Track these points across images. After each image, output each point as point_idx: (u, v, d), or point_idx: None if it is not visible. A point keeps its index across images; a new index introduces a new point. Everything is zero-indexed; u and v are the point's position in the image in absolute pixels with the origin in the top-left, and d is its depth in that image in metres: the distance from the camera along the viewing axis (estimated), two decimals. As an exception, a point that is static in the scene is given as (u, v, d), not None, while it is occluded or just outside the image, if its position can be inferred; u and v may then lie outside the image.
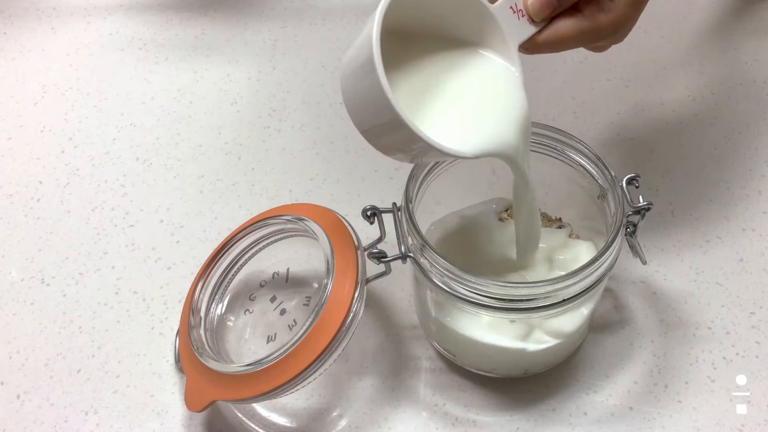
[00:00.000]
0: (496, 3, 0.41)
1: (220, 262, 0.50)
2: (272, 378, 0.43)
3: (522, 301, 0.42)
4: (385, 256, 0.45)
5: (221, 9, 0.78)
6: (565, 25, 0.41)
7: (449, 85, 0.41)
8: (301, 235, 0.49)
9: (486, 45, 0.42)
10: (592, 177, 0.47)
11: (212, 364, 0.45)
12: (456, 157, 0.39)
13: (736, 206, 0.59)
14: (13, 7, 0.79)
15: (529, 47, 0.42)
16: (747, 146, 0.63)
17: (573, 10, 0.41)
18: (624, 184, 0.45)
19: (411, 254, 0.45)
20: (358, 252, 0.45)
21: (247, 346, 0.50)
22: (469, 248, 0.51)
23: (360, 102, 0.38)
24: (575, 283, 0.42)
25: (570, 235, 0.52)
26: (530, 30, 0.41)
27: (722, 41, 0.72)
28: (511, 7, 0.41)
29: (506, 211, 0.53)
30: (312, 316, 0.43)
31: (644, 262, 0.46)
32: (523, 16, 0.41)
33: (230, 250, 0.50)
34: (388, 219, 0.46)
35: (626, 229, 0.44)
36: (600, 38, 0.43)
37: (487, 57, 0.42)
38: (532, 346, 0.46)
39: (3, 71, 0.73)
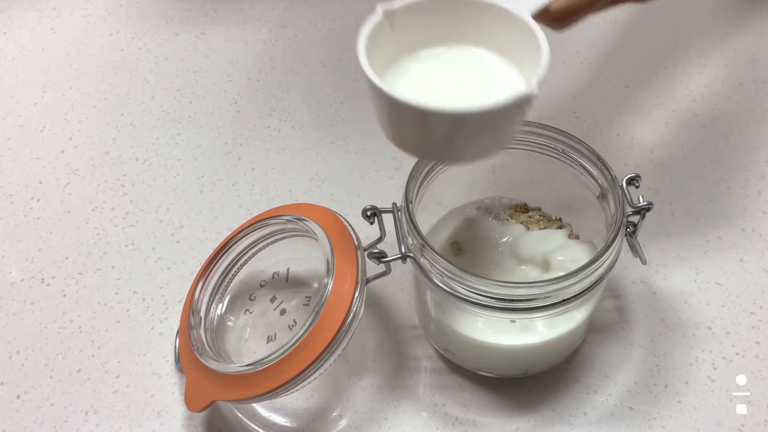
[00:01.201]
0: None
1: (220, 262, 0.50)
2: (272, 378, 0.43)
3: (522, 301, 0.42)
4: (385, 256, 0.45)
5: (221, 9, 0.78)
6: None
7: (445, 75, 0.41)
8: (301, 235, 0.49)
9: (501, 50, 0.41)
10: (592, 177, 0.47)
11: (212, 364, 0.45)
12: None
13: (736, 206, 0.59)
14: (13, 7, 0.79)
15: (557, 17, 0.39)
16: (747, 146, 0.63)
17: None
18: (624, 184, 0.45)
19: (411, 254, 0.45)
20: (358, 252, 0.45)
21: (247, 346, 0.50)
22: (469, 248, 0.51)
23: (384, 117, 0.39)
24: (575, 283, 0.42)
25: (570, 236, 0.52)
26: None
27: (722, 41, 0.72)
28: None
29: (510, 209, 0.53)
30: (312, 316, 0.43)
31: (644, 262, 0.46)
32: None
33: (230, 250, 0.50)
34: (388, 219, 0.46)
35: (626, 229, 0.44)
36: None
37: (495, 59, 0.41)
38: (533, 339, 0.46)
39: (3, 71, 0.73)
